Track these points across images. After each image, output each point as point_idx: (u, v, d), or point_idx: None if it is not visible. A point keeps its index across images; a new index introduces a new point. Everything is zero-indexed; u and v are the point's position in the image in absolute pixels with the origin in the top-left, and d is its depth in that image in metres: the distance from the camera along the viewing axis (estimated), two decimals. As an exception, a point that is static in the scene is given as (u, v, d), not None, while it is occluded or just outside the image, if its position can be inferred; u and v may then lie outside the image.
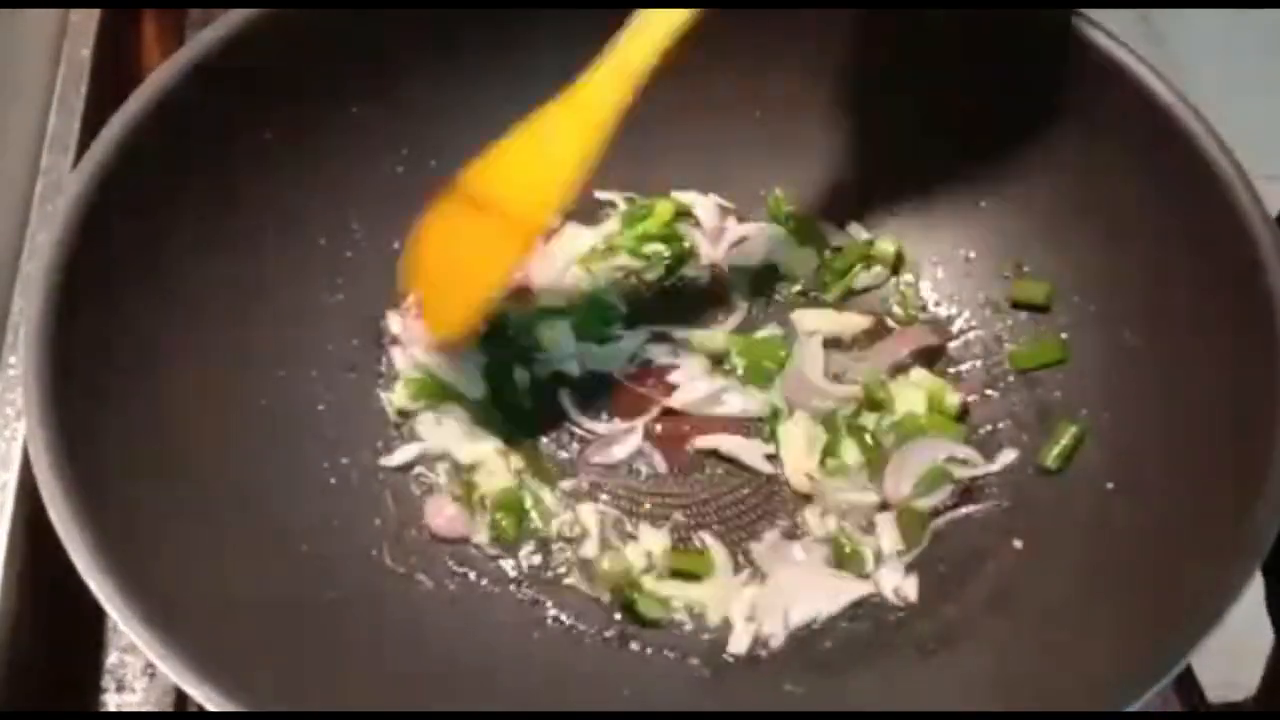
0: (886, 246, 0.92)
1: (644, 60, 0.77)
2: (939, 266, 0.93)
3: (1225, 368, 0.76)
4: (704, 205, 0.95)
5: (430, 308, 0.86)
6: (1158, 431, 0.80)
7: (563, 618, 0.80)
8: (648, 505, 0.85)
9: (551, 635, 0.80)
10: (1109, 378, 0.85)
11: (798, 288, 0.94)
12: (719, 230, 0.95)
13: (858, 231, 0.94)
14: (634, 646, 0.79)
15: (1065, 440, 0.83)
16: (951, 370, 0.90)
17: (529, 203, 0.80)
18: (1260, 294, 0.74)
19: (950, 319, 0.92)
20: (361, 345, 0.89)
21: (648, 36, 0.77)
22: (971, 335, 0.91)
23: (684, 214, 0.95)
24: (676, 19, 0.76)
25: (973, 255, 0.92)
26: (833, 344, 0.90)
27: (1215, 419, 0.75)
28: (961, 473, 0.84)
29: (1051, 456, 0.83)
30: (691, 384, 0.88)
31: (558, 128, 0.79)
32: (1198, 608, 0.66)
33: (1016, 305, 0.90)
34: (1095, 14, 0.84)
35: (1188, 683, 0.82)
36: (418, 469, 0.85)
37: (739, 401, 0.88)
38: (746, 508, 0.85)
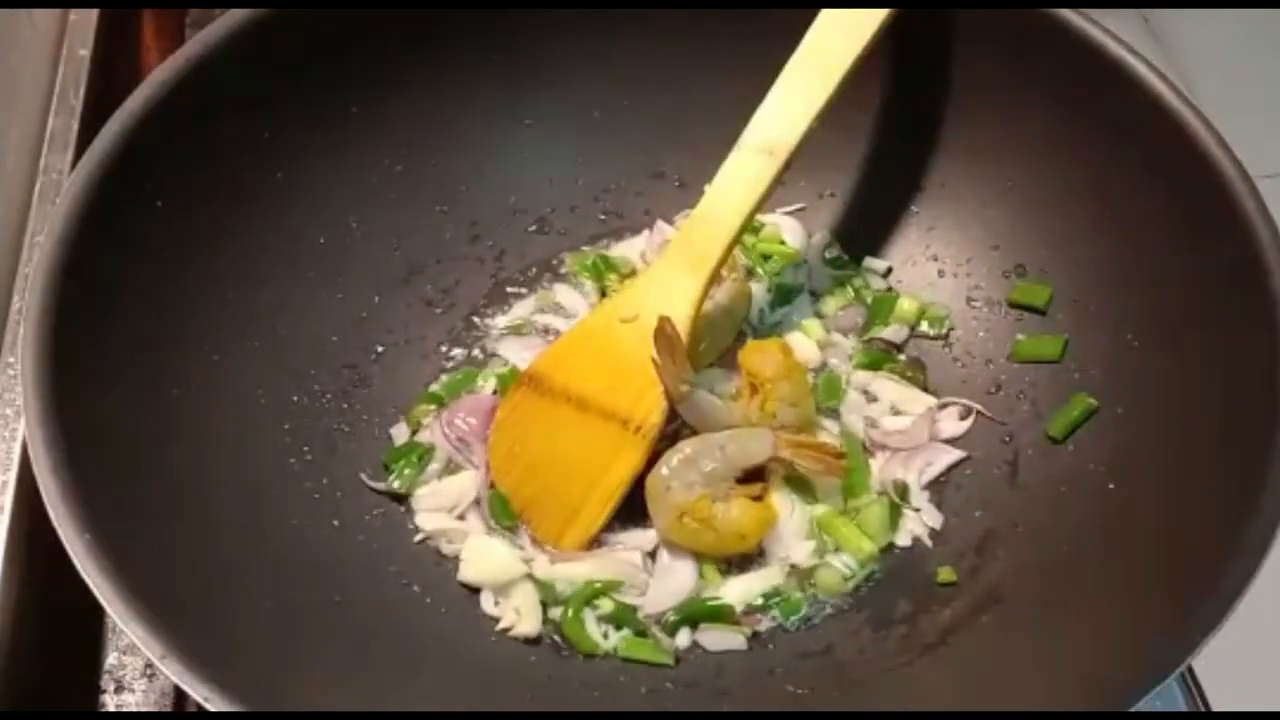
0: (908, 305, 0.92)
1: (725, 239, 0.78)
2: (939, 266, 0.93)
3: (1225, 368, 0.76)
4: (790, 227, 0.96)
5: (540, 517, 0.81)
6: (1158, 431, 0.80)
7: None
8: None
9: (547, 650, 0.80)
10: (1109, 378, 0.85)
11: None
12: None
13: (872, 264, 0.95)
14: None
15: (1075, 413, 0.83)
16: (951, 369, 0.90)
17: (639, 405, 0.76)
18: (1260, 294, 0.74)
19: (950, 318, 0.92)
20: (359, 343, 0.89)
21: (720, 222, 0.77)
22: (971, 336, 0.91)
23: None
24: (746, 208, 0.76)
25: (973, 255, 0.92)
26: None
27: (1215, 419, 0.75)
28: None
29: (1057, 427, 0.84)
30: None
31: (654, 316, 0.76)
32: (1198, 608, 0.65)
33: (1015, 306, 0.90)
34: (1096, 14, 0.84)
35: (1188, 683, 0.82)
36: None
37: None
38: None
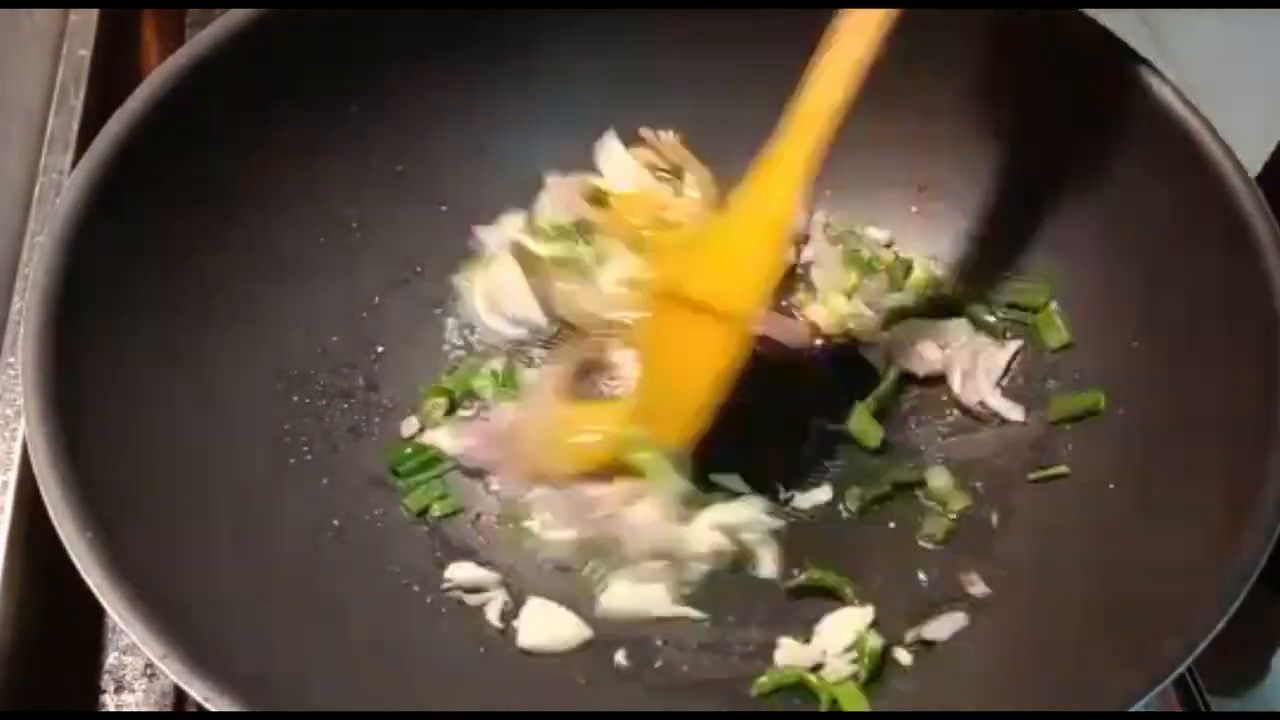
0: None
1: (819, 136, 0.76)
2: (937, 266, 0.93)
3: (1225, 368, 0.76)
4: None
5: (651, 418, 0.81)
6: (1158, 432, 0.80)
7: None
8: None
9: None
10: (1109, 379, 0.85)
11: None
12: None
13: (874, 234, 0.95)
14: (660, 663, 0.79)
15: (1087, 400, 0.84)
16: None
17: (733, 299, 0.78)
18: (1260, 294, 0.74)
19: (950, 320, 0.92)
20: (360, 343, 0.88)
21: (827, 97, 0.75)
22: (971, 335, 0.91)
23: None
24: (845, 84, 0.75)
25: (972, 255, 0.92)
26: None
27: (1215, 420, 0.75)
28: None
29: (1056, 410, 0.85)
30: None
31: (748, 218, 0.78)
32: (1198, 609, 0.65)
33: (1013, 307, 0.90)
34: (1095, 14, 0.84)
35: (1188, 683, 0.82)
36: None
37: None
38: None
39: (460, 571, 0.81)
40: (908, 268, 0.93)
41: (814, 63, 0.75)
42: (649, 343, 0.83)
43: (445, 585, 0.80)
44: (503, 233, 0.93)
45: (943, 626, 0.79)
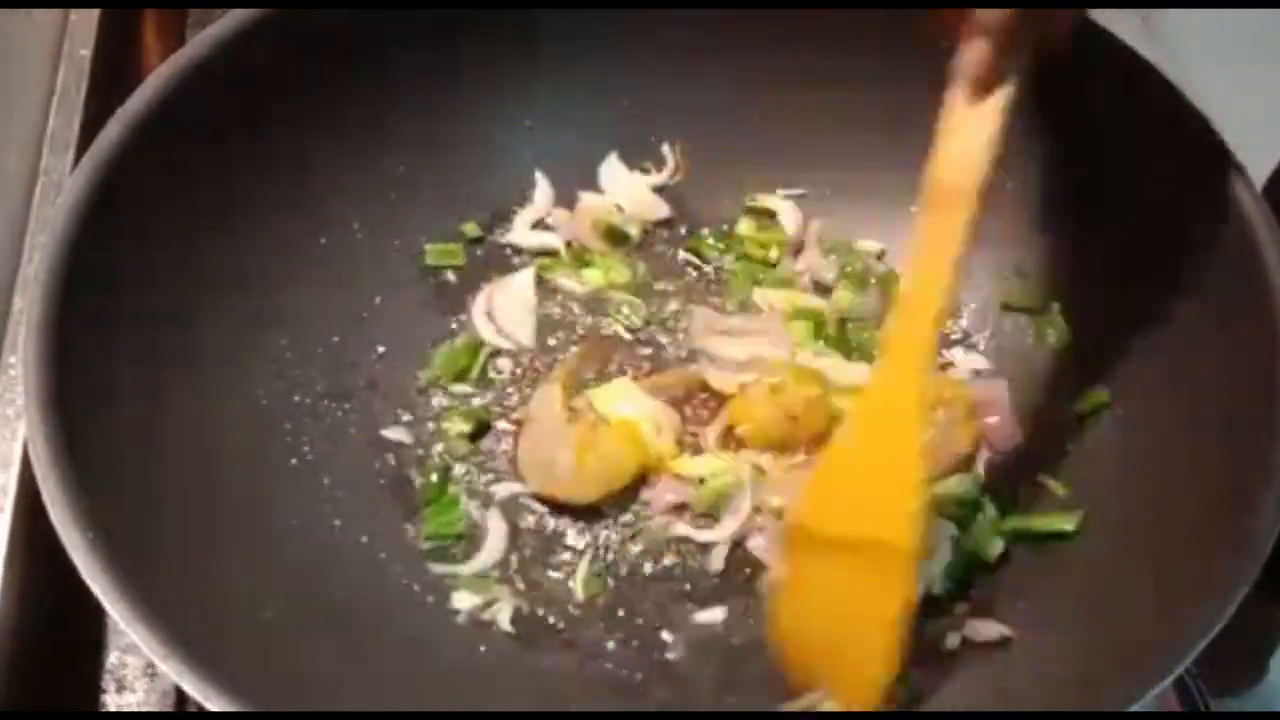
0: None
1: (935, 299, 0.69)
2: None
3: (1225, 368, 0.76)
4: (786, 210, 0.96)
5: (839, 677, 0.74)
6: (1158, 432, 0.80)
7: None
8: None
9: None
10: (1109, 378, 0.85)
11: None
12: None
13: (866, 246, 0.95)
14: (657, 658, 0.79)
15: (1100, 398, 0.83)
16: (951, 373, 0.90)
17: (896, 528, 0.70)
18: (1260, 294, 0.74)
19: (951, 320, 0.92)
20: (361, 343, 0.88)
21: (925, 300, 0.68)
22: (971, 337, 0.91)
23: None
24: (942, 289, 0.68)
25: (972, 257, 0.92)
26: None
27: (1215, 419, 0.75)
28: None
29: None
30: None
31: (879, 432, 0.71)
32: (1198, 608, 0.65)
33: (1011, 309, 0.90)
34: (1095, 14, 0.83)
35: (1187, 683, 0.82)
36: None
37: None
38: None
39: (465, 601, 0.80)
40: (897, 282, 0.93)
41: (914, 244, 0.69)
42: (807, 593, 0.74)
43: (460, 618, 0.80)
44: (536, 240, 0.94)
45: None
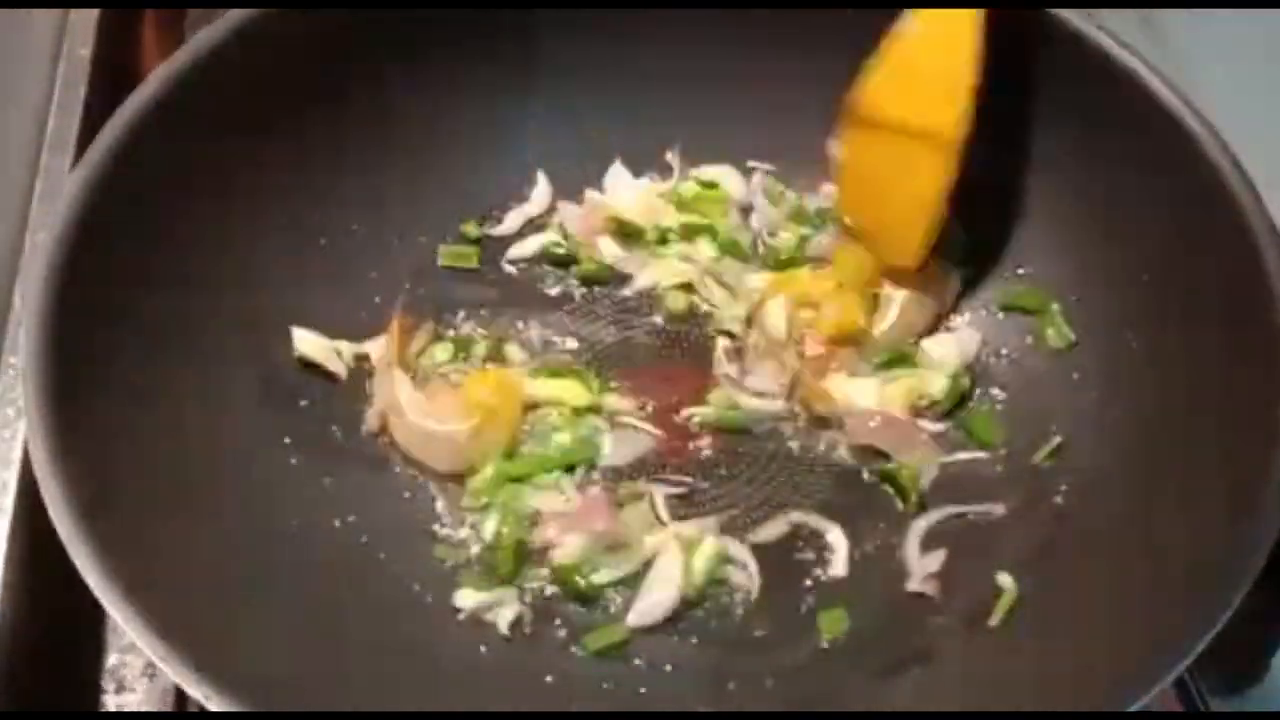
0: None
1: None
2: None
3: (1225, 368, 0.76)
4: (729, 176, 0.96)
5: (880, 245, 0.86)
6: (1158, 432, 0.80)
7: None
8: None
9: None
10: (1109, 379, 0.85)
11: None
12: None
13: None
14: (637, 661, 0.79)
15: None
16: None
17: (942, 119, 0.79)
18: (1260, 294, 0.74)
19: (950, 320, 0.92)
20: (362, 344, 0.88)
21: None
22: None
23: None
24: None
25: (972, 259, 0.92)
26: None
27: (1215, 419, 0.75)
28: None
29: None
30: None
31: (939, 30, 0.78)
32: (1198, 609, 0.66)
33: (1010, 309, 0.90)
34: (1095, 14, 0.84)
35: (1187, 683, 0.82)
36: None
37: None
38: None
39: (468, 599, 0.80)
40: None
41: None
42: (858, 173, 0.84)
43: (461, 615, 0.80)
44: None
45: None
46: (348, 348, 0.87)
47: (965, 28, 0.78)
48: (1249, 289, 0.75)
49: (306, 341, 0.85)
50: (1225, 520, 0.69)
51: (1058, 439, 0.84)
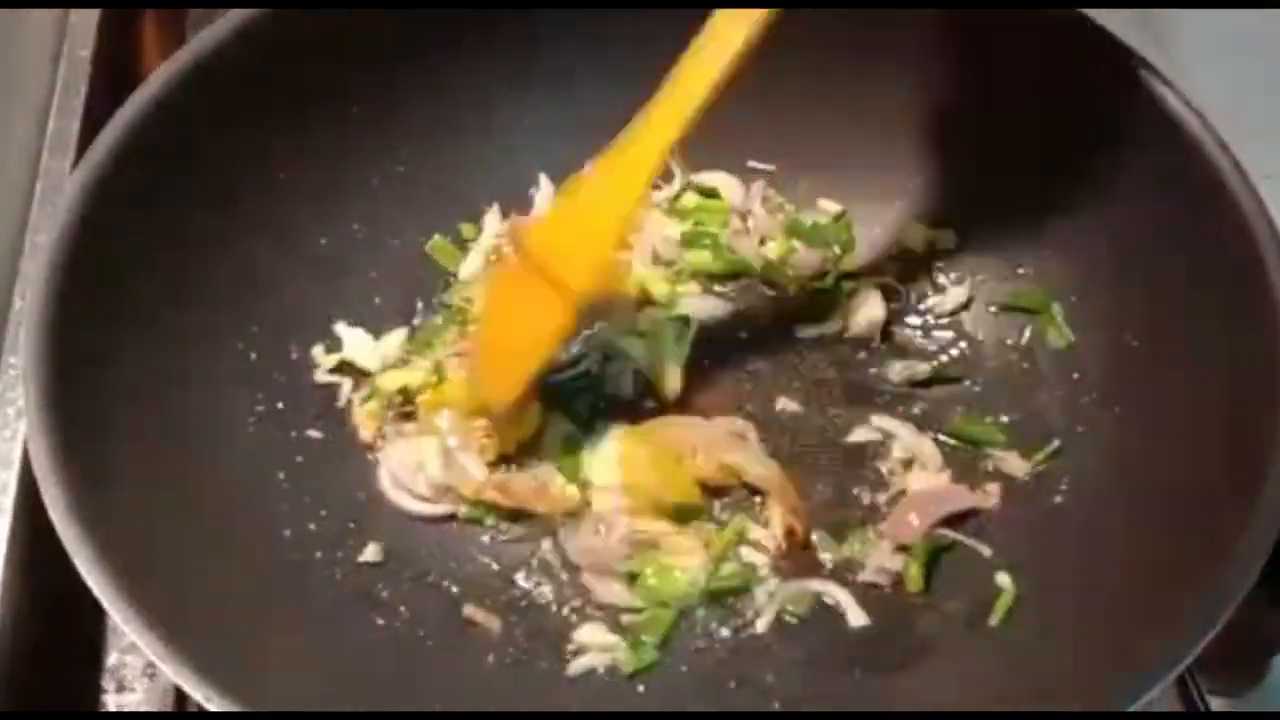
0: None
1: (688, 108, 0.76)
2: (937, 267, 0.93)
3: (1225, 368, 0.76)
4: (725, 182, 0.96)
5: (482, 372, 0.84)
6: (1158, 432, 0.80)
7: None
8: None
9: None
10: (1109, 379, 0.85)
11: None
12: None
13: (826, 206, 0.95)
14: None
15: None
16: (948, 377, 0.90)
17: (575, 271, 0.79)
18: (1260, 294, 0.74)
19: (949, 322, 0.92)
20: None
21: (698, 71, 0.76)
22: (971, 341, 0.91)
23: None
24: (714, 71, 0.75)
25: (970, 256, 0.92)
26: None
27: (1215, 419, 0.75)
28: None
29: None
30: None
31: (603, 188, 0.79)
32: (1197, 609, 0.66)
33: (1015, 309, 0.90)
34: (1095, 14, 0.83)
35: (1187, 683, 0.82)
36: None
37: None
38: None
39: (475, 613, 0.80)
40: (849, 228, 0.94)
41: (684, 56, 0.76)
42: (491, 291, 0.86)
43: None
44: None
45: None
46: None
47: (631, 188, 0.79)
48: (1249, 289, 0.75)
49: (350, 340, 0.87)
50: (1225, 520, 0.69)
51: (1057, 440, 0.84)
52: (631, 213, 0.80)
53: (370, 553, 0.80)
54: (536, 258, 0.80)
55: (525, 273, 0.80)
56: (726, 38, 0.75)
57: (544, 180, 0.95)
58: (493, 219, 0.94)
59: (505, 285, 0.84)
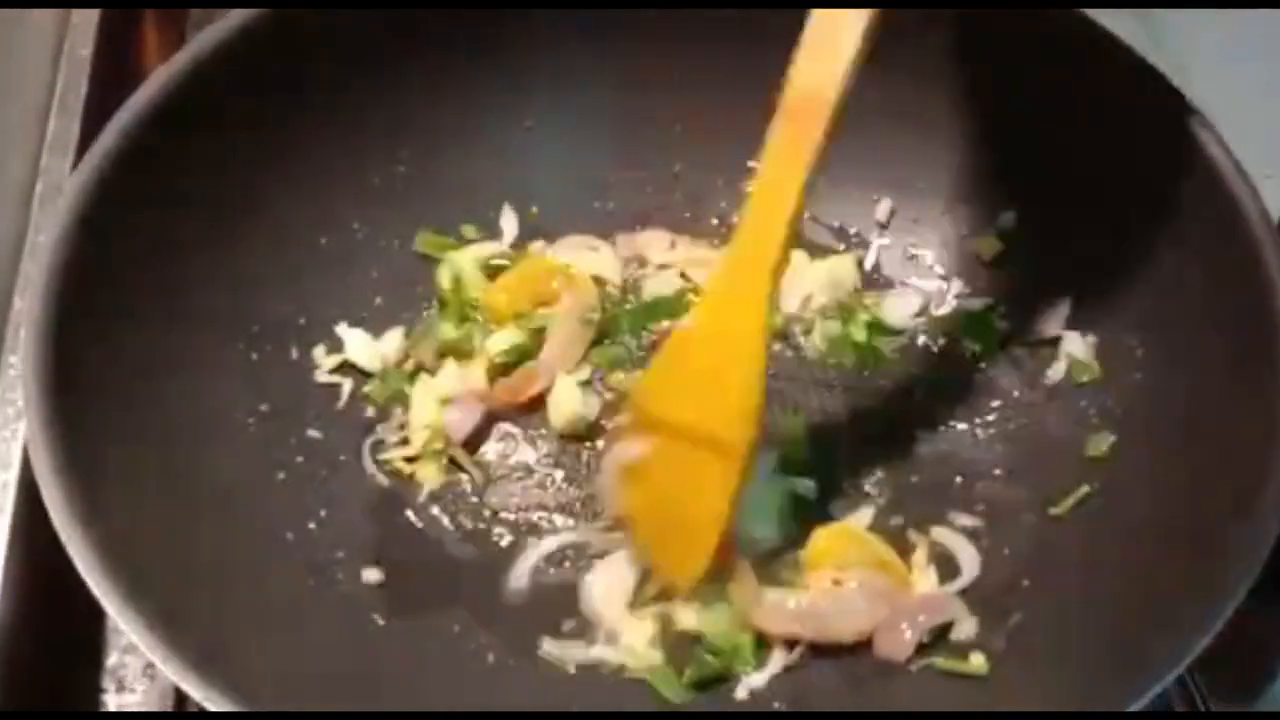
0: None
1: (787, 210, 0.70)
2: (934, 269, 0.93)
3: (1225, 369, 0.76)
4: None
5: (661, 556, 0.78)
6: (1158, 433, 0.80)
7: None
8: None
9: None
10: (1109, 380, 0.85)
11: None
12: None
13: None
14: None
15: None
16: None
17: (729, 424, 0.72)
18: (1261, 295, 0.74)
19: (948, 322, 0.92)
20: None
21: (786, 173, 0.69)
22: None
23: None
24: (808, 154, 0.69)
25: (969, 258, 0.92)
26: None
27: (1216, 419, 0.75)
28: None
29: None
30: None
31: (723, 319, 0.72)
32: (1199, 609, 0.65)
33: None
34: (1095, 14, 0.83)
35: (1188, 683, 0.82)
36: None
37: None
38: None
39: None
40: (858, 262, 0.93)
41: (761, 172, 0.71)
42: (644, 473, 0.77)
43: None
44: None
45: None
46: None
47: (752, 325, 0.72)
48: (1249, 289, 0.75)
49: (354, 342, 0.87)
50: (1226, 520, 0.69)
51: (1057, 441, 0.84)
52: (767, 333, 0.72)
53: (370, 553, 0.80)
54: (677, 421, 0.73)
55: (665, 440, 0.74)
56: (799, 146, 0.69)
57: (508, 210, 0.94)
58: (509, 222, 0.94)
59: (653, 457, 0.76)
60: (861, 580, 0.78)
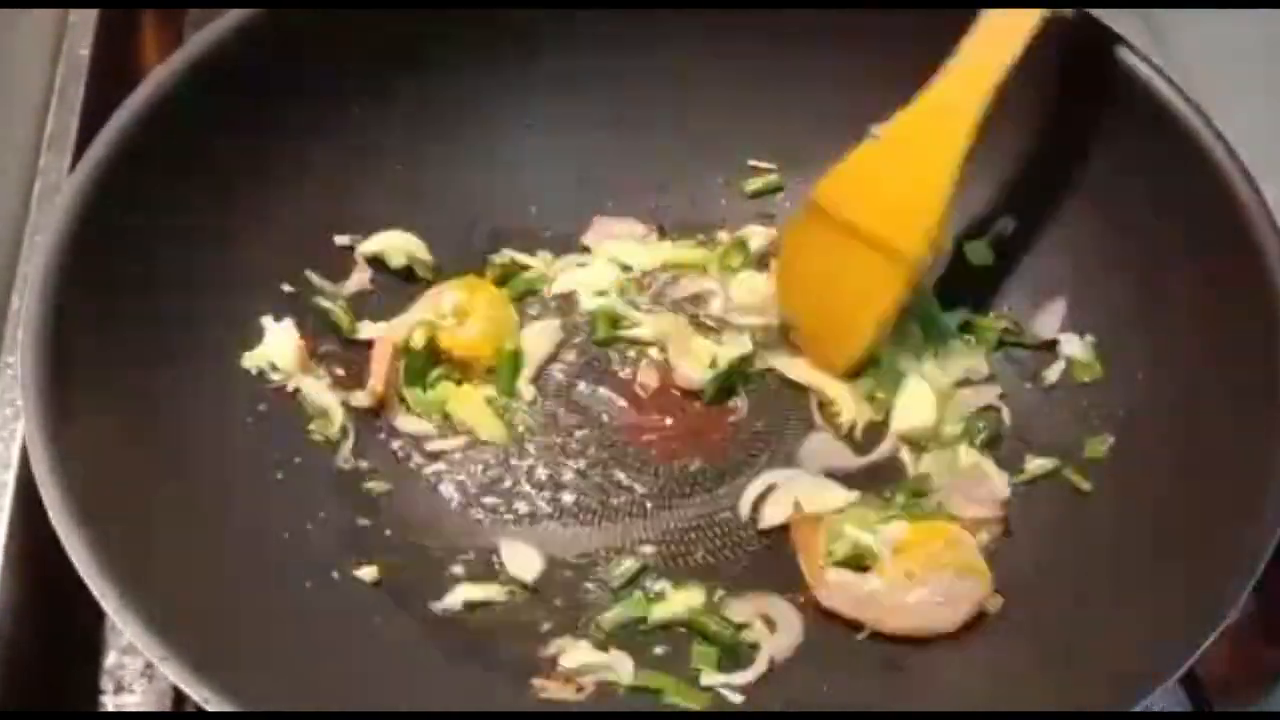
0: None
1: (1003, 61, 0.73)
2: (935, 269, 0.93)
3: (1226, 368, 0.76)
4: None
5: (811, 341, 0.82)
6: (1158, 432, 0.80)
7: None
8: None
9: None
10: (1110, 381, 0.85)
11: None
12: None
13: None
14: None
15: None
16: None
17: (906, 236, 0.75)
18: (1262, 295, 0.74)
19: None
20: (360, 346, 0.88)
21: (1006, 35, 0.73)
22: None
23: None
24: (1031, 19, 0.72)
25: (971, 258, 0.92)
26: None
27: (1216, 422, 0.75)
28: None
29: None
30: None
31: (921, 140, 0.74)
32: (1199, 610, 0.65)
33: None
34: (1096, 14, 0.83)
35: (1192, 683, 0.82)
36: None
37: None
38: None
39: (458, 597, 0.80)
40: None
41: (976, 32, 0.74)
42: (804, 267, 0.81)
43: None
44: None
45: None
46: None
47: (956, 134, 0.74)
48: (1249, 288, 0.75)
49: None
50: (1226, 521, 0.69)
51: (1057, 441, 0.84)
52: (961, 166, 0.74)
53: (369, 553, 0.80)
54: (856, 220, 0.75)
55: (837, 235, 0.76)
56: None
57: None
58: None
59: (820, 247, 0.79)
60: (936, 583, 0.77)
